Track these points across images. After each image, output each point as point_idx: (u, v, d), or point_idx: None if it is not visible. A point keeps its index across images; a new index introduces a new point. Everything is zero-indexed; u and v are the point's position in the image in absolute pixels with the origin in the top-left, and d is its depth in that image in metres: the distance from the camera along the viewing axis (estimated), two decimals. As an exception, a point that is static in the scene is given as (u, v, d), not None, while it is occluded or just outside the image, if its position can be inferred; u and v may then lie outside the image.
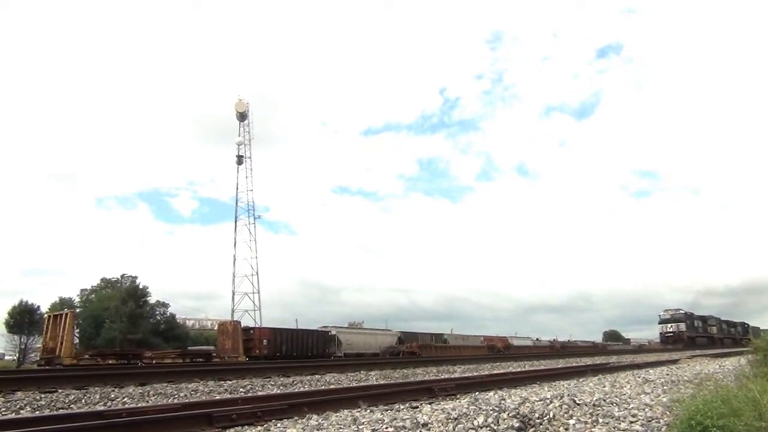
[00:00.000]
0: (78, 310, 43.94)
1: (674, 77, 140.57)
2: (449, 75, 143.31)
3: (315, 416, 6.72)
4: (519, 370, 18.04)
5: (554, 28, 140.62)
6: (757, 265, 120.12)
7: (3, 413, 8.37)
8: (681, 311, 67.10)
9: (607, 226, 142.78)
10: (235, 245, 49.38)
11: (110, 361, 23.92)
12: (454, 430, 5.41)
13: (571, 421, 6.06)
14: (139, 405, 8.72)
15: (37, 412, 8.44)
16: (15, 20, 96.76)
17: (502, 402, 6.86)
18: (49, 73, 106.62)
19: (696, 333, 67.22)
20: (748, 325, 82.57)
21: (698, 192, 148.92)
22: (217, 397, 9.71)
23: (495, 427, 5.52)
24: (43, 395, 10.02)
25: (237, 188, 51.21)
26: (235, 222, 50.27)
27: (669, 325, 66.04)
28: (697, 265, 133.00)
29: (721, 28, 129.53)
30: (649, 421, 6.18)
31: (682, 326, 65.02)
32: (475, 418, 5.86)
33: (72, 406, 9.13)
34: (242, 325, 33.62)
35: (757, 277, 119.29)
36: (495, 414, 6.00)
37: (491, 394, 8.75)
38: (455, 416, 5.91)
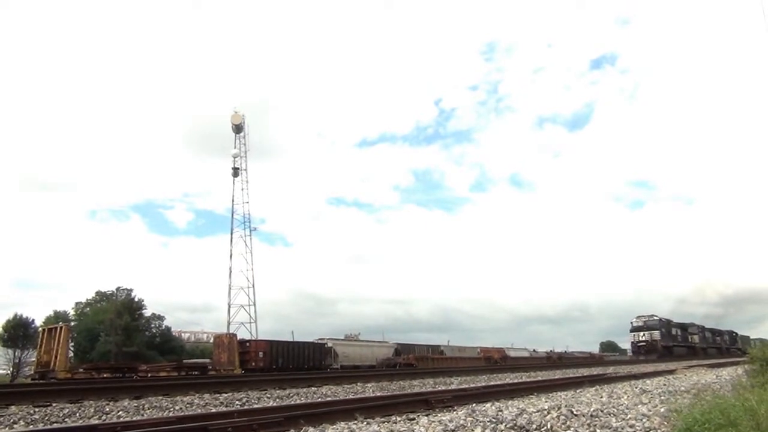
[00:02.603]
0: (73, 324, 43.63)
1: (668, 87, 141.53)
2: (444, 86, 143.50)
3: (312, 429, 6.69)
4: (516, 381, 17.98)
5: (549, 39, 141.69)
6: (751, 274, 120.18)
7: (-4, 428, 8.31)
8: (655, 317, 59.84)
9: (601, 236, 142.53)
10: (230, 257, 49.05)
11: (105, 375, 23.70)
12: (451, 441, 5.39)
13: (569, 432, 6.05)
14: (135, 419, 8.65)
15: (31, 426, 8.38)
16: (7, 26, 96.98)
17: (500, 413, 6.84)
18: (43, 83, 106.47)
19: (674, 342, 60.66)
20: (736, 333, 77.77)
21: (692, 202, 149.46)
22: (213, 410, 9.65)
23: (492, 439, 5.51)
24: (37, 409, 9.96)
25: (233, 200, 50.93)
26: (231, 234, 49.99)
27: (642, 334, 58.59)
28: (693, 274, 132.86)
29: (715, 39, 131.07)
30: (647, 431, 6.18)
31: (656, 334, 57.65)
32: (473, 430, 5.86)
33: (66, 420, 9.06)
34: (238, 337, 33.42)
35: (750, 287, 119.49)
36: (492, 426, 5.99)
37: (488, 405, 8.72)
38: (452, 428, 5.90)
